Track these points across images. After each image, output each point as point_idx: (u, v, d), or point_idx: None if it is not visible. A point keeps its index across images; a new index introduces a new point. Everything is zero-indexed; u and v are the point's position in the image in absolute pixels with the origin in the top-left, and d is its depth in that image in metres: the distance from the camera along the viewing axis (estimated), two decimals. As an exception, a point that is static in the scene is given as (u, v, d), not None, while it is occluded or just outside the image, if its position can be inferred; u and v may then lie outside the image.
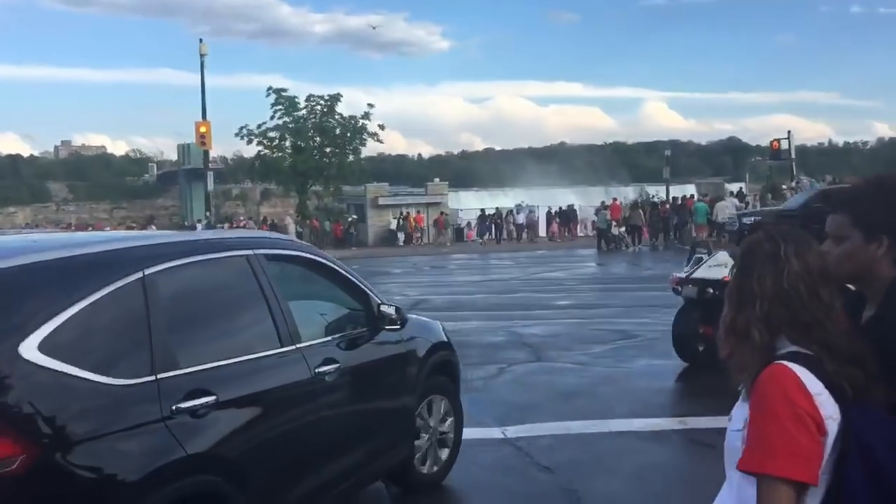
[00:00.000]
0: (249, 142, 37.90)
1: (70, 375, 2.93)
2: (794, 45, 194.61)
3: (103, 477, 2.97)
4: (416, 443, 5.15)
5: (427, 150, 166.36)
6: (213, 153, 34.66)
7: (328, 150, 39.43)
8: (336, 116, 39.09)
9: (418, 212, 43.59)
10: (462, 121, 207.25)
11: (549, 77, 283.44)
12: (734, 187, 49.24)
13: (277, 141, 38.25)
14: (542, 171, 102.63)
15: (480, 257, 32.82)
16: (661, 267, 21.46)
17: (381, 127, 38.12)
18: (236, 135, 38.00)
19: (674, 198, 35.69)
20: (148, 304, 3.31)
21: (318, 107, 38.62)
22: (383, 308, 4.84)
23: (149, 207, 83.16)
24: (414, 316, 5.58)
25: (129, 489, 3.01)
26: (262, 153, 38.79)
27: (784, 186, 31.82)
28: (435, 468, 5.40)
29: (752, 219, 20.38)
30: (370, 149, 43.26)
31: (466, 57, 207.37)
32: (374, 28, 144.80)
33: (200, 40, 33.06)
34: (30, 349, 2.84)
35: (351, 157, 40.02)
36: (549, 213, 43.37)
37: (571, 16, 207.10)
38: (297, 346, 4.09)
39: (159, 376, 3.24)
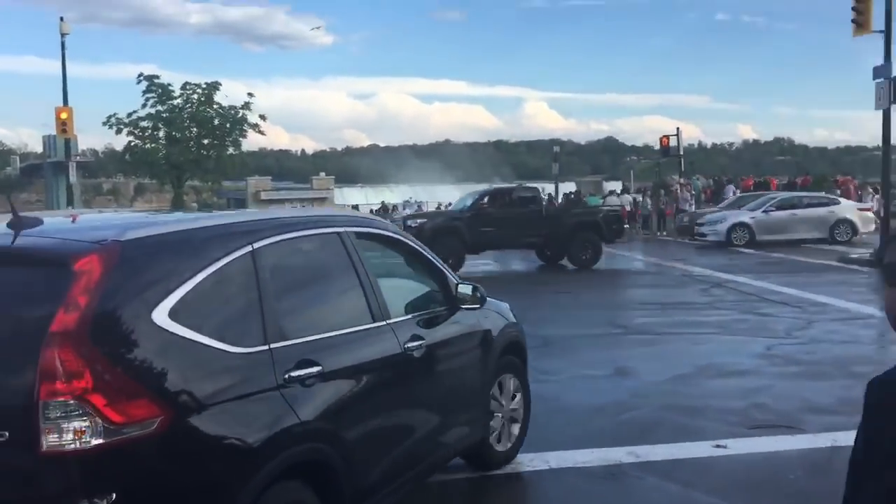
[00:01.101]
0: (119, 131, 34.92)
1: (197, 343, 3.04)
2: (666, 50, 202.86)
3: (228, 440, 3.07)
4: (492, 423, 5.32)
5: (310, 146, 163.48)
6: (82, 145, 31.88)
7: (206, 141, 37.01)
8: (214, 106, 36.71)
9: (303, 207, 42.07)
10: (346, 116, 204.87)
11: (434, 74, 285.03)
12: (615, 185, 50.79)
13: (150, 131, 35.55)
14: (425, 168, 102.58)
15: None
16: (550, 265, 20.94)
17: (263, 118, 35.98)
18: (104, 123, 34.95)
19: (565, 193, 35.79)
20: (258, 276, 3.44)
21: (195, 96, 36.13)
22: (461, 288, 5.02)
23: (14, 202, 77.12)
24: (490, 300, 5.52)
25: (252, 453, 3.10)
26: (132, 144, 35.93)
27: (674, 181, 32.38)
28: (508, 445, 5.59)
29: (418, 221, 20.28)
30: (251, 142, 41.37)
31: (350, 52, 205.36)
32: (317, 28, 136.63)
33: (61, 18, 30.10)
34: (161, 316, 2.94)
35: (231, 150, 37.68)
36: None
37: (455, 14, 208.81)
38: (388, 321, 4.23)
39: (272, 346, 3.37)
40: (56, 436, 2.63)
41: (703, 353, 9.56)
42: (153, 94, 34.67)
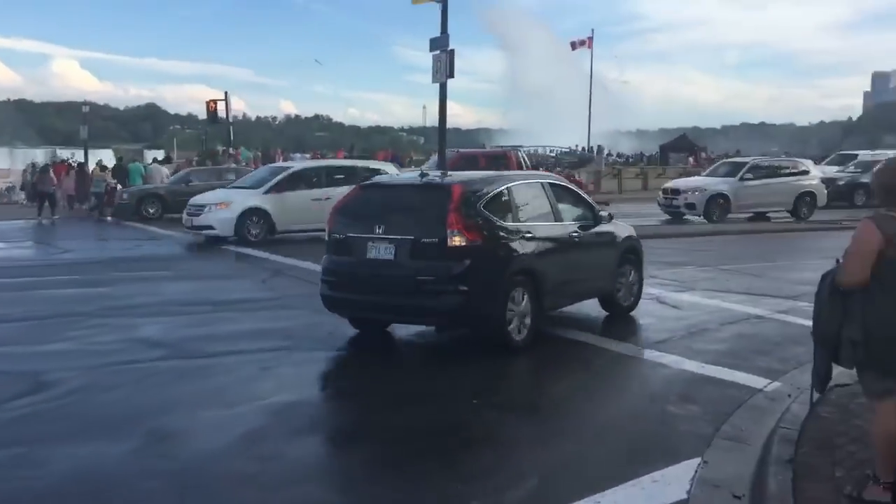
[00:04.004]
0: None
1: (490, 218, 7.96)
2: (209, 18, 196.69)
3: (503, 254, 7.94)
4: (618, 288, 9.81)
5: None
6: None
7: None
8: None
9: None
10: None
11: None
12: (158, 154, 46.54)
13: None
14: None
15: None
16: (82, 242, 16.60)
17: None
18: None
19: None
20: (512, 196, 8.42)
21: None
22: (601, 213, 9.71)
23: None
24: (616, 221, 10.16)
25: (509, 261, 7.93)
26: None
27: (223, 152, 29.37)
28: (629, 301, 10.06)
29: None
30: None
31: None
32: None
33: None
34: (480, 206, 7.86)
35: None
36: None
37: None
38: (561, 223, 8.95)
39: (517, 223, 8.31)
40: (452, 239, 7.49)
41: (270, 389, 6.82)
42: None
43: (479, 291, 7.55)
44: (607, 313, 9.88)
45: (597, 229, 9.44)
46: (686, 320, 9.92)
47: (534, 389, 7.05)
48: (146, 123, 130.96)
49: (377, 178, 10.14)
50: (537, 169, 24.24)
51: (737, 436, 5.69)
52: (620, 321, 9.69)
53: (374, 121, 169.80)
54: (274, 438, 5.58)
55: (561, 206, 9.07)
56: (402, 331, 9.09)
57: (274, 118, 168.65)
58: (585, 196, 10.02)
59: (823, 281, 4.33)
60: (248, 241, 17.43)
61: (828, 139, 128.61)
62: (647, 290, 11.28)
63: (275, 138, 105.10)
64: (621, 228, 10.18)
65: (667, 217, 24.91)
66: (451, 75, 18.57)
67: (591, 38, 58.90)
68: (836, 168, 31.75)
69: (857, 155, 34.54)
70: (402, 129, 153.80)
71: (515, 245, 8.01)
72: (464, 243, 7.50)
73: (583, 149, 53.45)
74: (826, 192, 25.13)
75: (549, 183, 9.32)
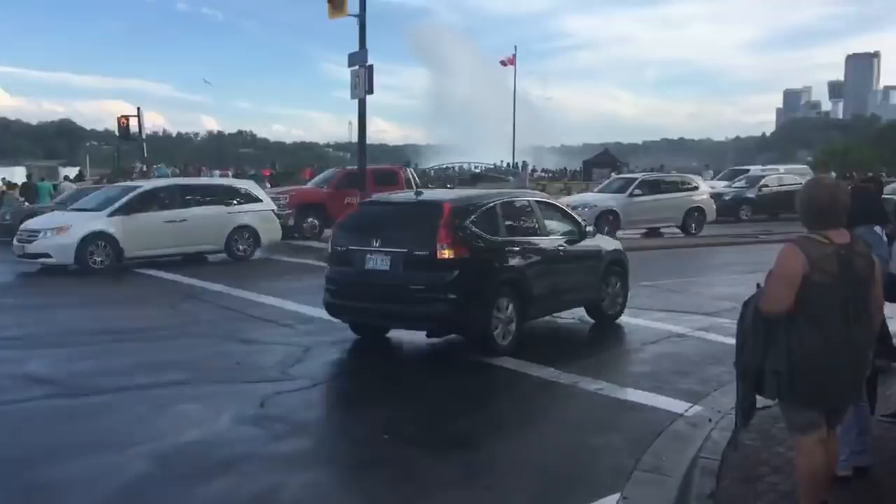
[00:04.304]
0: None
1: (477, 232, 8.63)
2: (126, 33, 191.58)
3: (488, 265, 8.69)
4: (603, 298, 10.44)
5: None
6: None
7: None
8: None
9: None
10: None
11: None
12: (71, 171, 44.86)
13: None
14: None
15: None
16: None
17: None
18: None
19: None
20: (500, 213, 9.14)
21: None
22: (587, 228, 10.47)
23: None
24: (601, 235, 11.46)
25: (494, 272, 8.73)
26: None
27: (137, 170, 28.25)
28: (614, 310, 10.65)
29: None
30: None
31: None
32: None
33: None
34: (469, 223, 8.68)
35: None
36: None
37: None
38: (548, 237, 9.65)
39: (503, 237, 8.99)
40: (442, 252, 8.25)
41: (164, 430, 6.27)
42: None
43: (466, 300, 8.31)
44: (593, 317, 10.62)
45: (583, 243, 10.11)
46: (608, 340, 9.73)
47: (446, 422, 6.65)
48: (61, 139, 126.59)
49: (376, 196, 11.24)
50: (426, 186, 23.65)
51: (657, 467, 5.45)
52: (536, 344, 9.42)
53: (299, 137, 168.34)
54: (160, 488, 5.07)
55: (547, 223, 9.86)
56: (317, 365, 8.65)
57: (196, 134, 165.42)
58: (572, 213, 10.77)
59: (746, 307, 4.08)
60: (92, 270, 15.69)
61: (744, 154, 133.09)
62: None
63: (196, 155, 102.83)
64: (607, 242, 11.12)
65: None
66: (371, 91, 18.22)
67: (514, 56, 59.48)
68: (724, 183, 32.18)
69: (748, 170, 35.24)
70: (328, 145, 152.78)
71: (501, 258, 8.84)
72: (452, 256, 8.27)
73: (507, 165, 53.72)
74: (715, 207, 25.03)
75: (537, 201, 10.30)
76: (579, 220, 10.52)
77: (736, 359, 4.14)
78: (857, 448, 4.86)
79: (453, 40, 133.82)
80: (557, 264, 9.58)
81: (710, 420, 6.32)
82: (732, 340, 4.25)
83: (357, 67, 18.34)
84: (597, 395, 7.25)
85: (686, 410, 6.70)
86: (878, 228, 5.33)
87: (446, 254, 8.24)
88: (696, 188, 25.07)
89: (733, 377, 4.33)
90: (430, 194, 10.35)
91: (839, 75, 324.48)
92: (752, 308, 4.00)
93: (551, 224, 9.91)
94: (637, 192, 23.57)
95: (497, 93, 77.57)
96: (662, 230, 24.46)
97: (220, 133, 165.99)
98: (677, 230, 24.20)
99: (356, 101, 18.84)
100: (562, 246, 9.71)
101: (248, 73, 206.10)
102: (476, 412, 6.90)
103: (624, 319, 10.66)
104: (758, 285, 4.09)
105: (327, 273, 9.23)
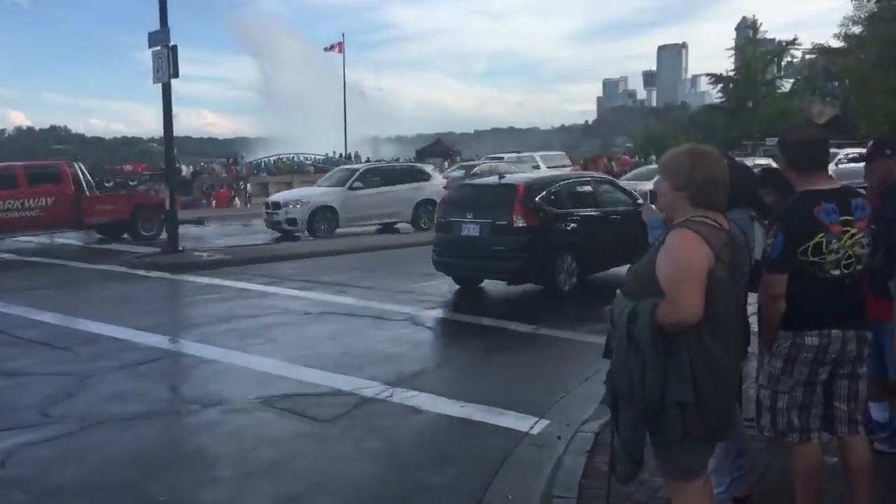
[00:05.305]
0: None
1: (543, 205, 11.13)
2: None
3: (559, 230, 11.21)
4: None
5: None
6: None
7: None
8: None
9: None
10: None
11: None
12: None
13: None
14: None
15: None
16: None
17: None
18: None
19: None
20: (564, 191, 11.67)
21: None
22: (640, 200, 12.26)
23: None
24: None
25: (560, 236, 11.19)
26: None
27: None
28: None
29: None
30: None
31: None
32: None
33: None
34: (539, 198, 11.09)
35: None
36: None
37: None
38: (604, 208, 11.98)
39: (567, 210, 11.47)
40: (517, 222, 10.74)
41: None
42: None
43: (535, 257, 10.76)
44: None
45: (634, 213, 11.57)
46: (442, 345, 8.76)
47: (240, 455, 5.36)
48: None
49: (469, 180, 16.62)
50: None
51: (504, 510, 4.45)
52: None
53: (119, 131, 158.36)
54: None
55: (605, 197, 12.29)
56: (92, 400, 7.05)
57: (2, 130, 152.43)
58: (628, 189, 13.50)
59: (633, 323, 2.91)
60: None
61: (569, 141, 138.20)
62: (400, 308, 10.13)
63: (3, 153, 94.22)
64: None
65: (277, 234, 21.05)
66: (175, 74, 16.32)
67: (341, 43, 57.85)
68: (457, 175, 27.49)
69: (503, 157, 32.95)
70: (152, 140, 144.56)
71: (563, 225, 11.24)
72: (525, 224, 10.74)
73: (340, 155, 52.23)
74: None
75: (597, 180, 13.13)
76: (634, 194, 13.14)
77: (615, 397, 3.05)
78: (737, 473, 4.06)
79: (279, 30, 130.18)
80: (609, 231, 11.59)
81: (558, 437, 5.45)
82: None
83: (159, 48, 16.38)
84: (431, 415, 6.17)
85: (532, 427, 5.78)
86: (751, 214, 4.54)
87: (520, 223, 10.73)
88: (427, 179, 22.78)
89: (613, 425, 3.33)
90: (509, 178, 12.57)
91: (652, 65, 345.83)
92: (647, 324, 2.87)
93: (608, 197, 12.32)
94: (357, 184, 21.23)
95: (328, 83, 75.46)
96: (399, 226, 22.38)
97: (30, 129, 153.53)
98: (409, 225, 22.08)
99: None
100: (615, 215, 11.89)
101: (59, 64, 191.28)
102: (279, 444, 5.62)
103: (461, 318, 9.69)
104: (618, 292, 3.08)
105: (434, 239, 11.85)
